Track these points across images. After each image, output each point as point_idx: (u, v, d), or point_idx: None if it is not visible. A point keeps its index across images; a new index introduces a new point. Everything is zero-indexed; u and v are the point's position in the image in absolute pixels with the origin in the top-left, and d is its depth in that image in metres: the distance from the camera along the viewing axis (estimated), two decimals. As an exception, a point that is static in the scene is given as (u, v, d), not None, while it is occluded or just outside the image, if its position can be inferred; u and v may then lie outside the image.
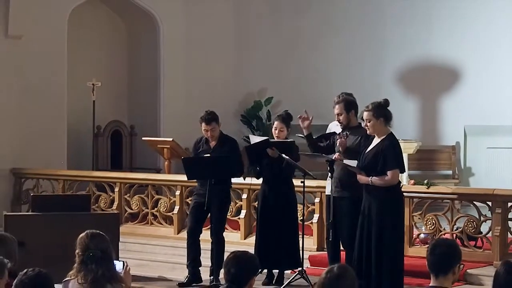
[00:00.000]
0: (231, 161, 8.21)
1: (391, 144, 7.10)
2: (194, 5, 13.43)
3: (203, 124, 8.32)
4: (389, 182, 7.02)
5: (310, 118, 7.93)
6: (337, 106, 7.70)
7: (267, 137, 8.39)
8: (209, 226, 8.48)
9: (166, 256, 9.74)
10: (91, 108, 12.41)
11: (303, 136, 8.01)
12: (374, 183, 7.04)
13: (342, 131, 7.78)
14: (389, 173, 7.01)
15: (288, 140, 8.18)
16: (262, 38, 13.96)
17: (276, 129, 8.30)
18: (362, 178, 7.14)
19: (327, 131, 8.21)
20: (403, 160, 7.29)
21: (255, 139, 8.56)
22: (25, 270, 4.18)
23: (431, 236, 8.51)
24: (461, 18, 13.02)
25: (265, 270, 8.13)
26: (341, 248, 7.80)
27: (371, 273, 7.01)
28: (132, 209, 10.60)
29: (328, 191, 7.98)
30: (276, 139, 8.29)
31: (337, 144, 7.72)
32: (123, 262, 4.92)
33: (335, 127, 8.09)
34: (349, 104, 7.70)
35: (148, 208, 10.50)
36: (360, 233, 7.16)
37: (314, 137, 8.01)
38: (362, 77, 13.19)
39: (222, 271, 7.79)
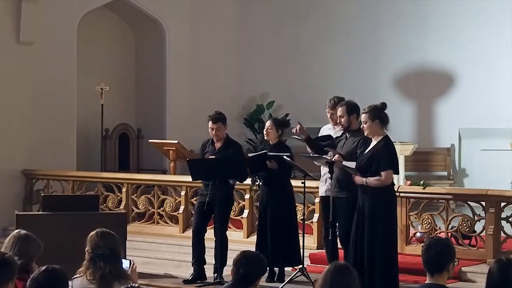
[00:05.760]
0: (234, 163, 8.32)
1: (386, 146, 7.17)
2: (199, 13, 13.49)
3: (210, 123, 8.41)
4: (383, 182, 7.12)
5: (304, 129, 7.95)
6: (339, 109, 7.74)
7: (265, 151, 8.41)
8: (213, 225, 8.61)
9: (172, 254, 9.84)
10: (100, 112, 12.45)
11: (300, 138, 8.03)
12: (369, 183, 7.12)
13: (342, 134, 7.82)
14: (382, 173, 7.10)
15: (285, 154, 8.18)
16: (264, 44, 14.00)
17: (265, 128, 8.46)
18: (357, 179, 7.23)
19: (319, 135, 8.25)
20: (397, 161, 7.37)
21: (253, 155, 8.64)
22: (42, 267, 4.19)
23: (427, 235, 8.56)
24: (454, 24, 13.05)
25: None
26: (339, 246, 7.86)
27: (364, 270, 7.07)
28: (139, 209, 10.68)
29: (321, 192, 8.11)
30: (266, 138, 8.46)
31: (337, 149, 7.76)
32: (130, 260, 5.01)
33: (327, 130, 8.18)
34: (351, 107, 7.73)
35: (154, 208, 10.58)
36: (355, 230, 7.24)
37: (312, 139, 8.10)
38: (359, 82, 13.19)
39: (225, 268, 8.16)
